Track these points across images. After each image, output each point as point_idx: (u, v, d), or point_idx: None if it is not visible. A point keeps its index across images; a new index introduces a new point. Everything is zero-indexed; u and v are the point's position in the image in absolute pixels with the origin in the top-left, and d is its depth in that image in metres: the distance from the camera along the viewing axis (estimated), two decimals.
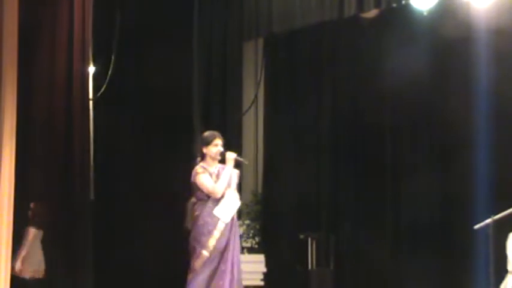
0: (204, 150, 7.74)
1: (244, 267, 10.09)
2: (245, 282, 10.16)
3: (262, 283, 10.52)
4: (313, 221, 10.97)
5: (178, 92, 9.55)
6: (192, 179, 7.68)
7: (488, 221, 7.51)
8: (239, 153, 11.01)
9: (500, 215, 7.50)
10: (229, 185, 7.70)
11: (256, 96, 11.39)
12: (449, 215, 10.03)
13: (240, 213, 10.88)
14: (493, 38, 9.50)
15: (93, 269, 8.78)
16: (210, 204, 7.62)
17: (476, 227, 7.67)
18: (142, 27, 9.60)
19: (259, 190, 11.16)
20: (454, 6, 9.35)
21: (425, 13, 8.99)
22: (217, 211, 7.59)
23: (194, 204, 7.73)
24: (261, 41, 11.33)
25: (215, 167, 7.72)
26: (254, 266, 10.48)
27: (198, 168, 7.71)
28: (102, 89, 9.47)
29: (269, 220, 10.98)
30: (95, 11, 8.94)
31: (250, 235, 10.86)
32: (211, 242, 7.53)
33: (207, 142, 7.73)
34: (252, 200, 11.10)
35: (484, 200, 9.30)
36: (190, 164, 9.47)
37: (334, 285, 10.60)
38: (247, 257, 10.59)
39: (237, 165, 7.82)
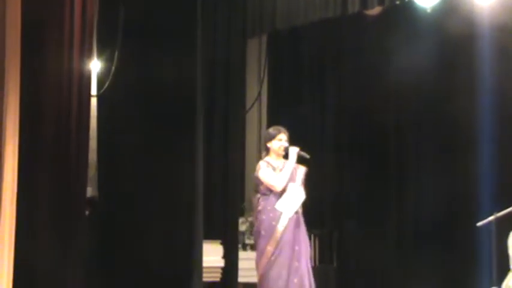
0: (268, 144, 7.84)
1: (248, 264, 10.14)
2: (249, 279, 10.21)
3: None
4: (316, 218, 10.96)
5: (181, 89, 9.54)
6: (256, 173, 7.75)
7: (490, 218, 7.52)
8: (242, 150, 11.12)
9: (503, 212, 7.51)
10: (293, 180, 7.73)
11: (259, 94, 11.39)
12: (452, 213, 10.02)
13: (243, 210, 10.91)
14: (497, 35, 9.50)
15: (93, 266, 8.78)
16: (272, 198, 7.66)
17: (479, 224, 7.68)
18: (146, 24, 9.58)
19: None
20: (458, 3, 9.34)
21: (428, 10, 8.97)
22: (280, 205, 7.61)
23: (258, 199, 7.77)
24: (264, 38, 11.32)
25: (280, 161, 7.76)
26: None
27: (262, 162, 7.80)
28: (106, 85, 9.46)
29: None
30: (99, 7, 8.93)
31: (253, 232, 10.84)
32: (276, 236, 7.53)
33: (271, 137, 7.82)
34: None
35: (487, 197, 9.30)
36: (193, 161, 9.54)
37: (337, 282, 10.60)
38: (250, 254, 10.57)
39: (302, 160, 7.84)
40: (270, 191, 7.70)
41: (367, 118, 10.79)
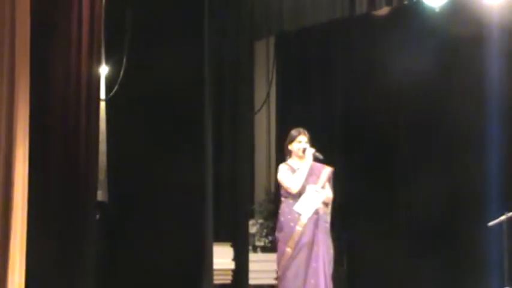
0: (290, 147, 7.95)
1: (258, 266, 10.17)
2: (258, 281, 10.23)
3: (275, 282, 10.49)
4: None
5: (189, 91, 9.56)
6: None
7: (502, 218, 7.51)
8: (252, 152, 11.12)
9: None
10: (314, 181, 7.79)
11: (268, 95, 11.38)
12: (462, 213, 10.00)
13: (253, 212, 10.91)
14: (505, 35, 9.47)
15: (103, 269, 8.78)
16: (290, 200, 7.76)
17: (490, 224, 7.67)
18: (154, 27, 9.59)
19: (272, 189, 11.15)
20: (466, 2, 9.32)
21: (436, 10, 8.97)
22: (297, 207, 7.70)
23: (281, 201, 7.91)
24: (272, 40, 11.32)
25: (302, 163, 7.82)
26: (267, 264, 10.44)
27: (282, 165, 7.91)
28: (114, 90, 9.47)
29: None
30: (106, 10, 8.94)
31: (263, 234, 10.86)
32: (294, 237, 7.61)
33: (292, 139, 7.93)
34: (265, 198, 11.10)
35: (498, 197, 9.29)
36: (202, 163, 9.55)
37: (347, 284, 10.59)
38: (260, 256, 10.61)
39: (321, 161, 7.96)
40: (288, 193, 7.75)
41: (374, 118, 10.77)
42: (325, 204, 7.85)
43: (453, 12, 9.48)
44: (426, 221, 10.30)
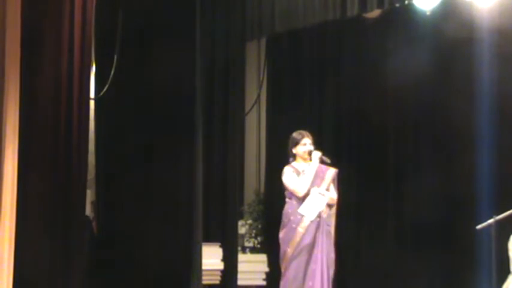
0: (294, 150, 7.95)
1: (247, 267, 10.18)
2: (247, 282, 10.24)
3: (264, 283, 10.53)
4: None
5: (180, 92, 9.55)
6: (282, 178, 7.89)
7: (490, 221, 7.52)
8: (242, 153, 11.13)
9: (503, 215, 7.51)
10: (318, 183, 7.82)
11: (258, 96, 11.38)
12: (451, 215, 10.03)
13: (242, 213, 10.91)
14: (496, 38, 9.51)
15: (92, 269, 8.77)
16: (294, 202, 7.80)
17: (479, 227, 7.68)
18: (145, 27, 9.59)
19: (262, 190, 11.16)
20: (457, 6, 9.34)
21: (428, 13, 8.98)
22: (302, 209, 7.74)
23: (286, 203, 7.91)
24: (263, 41, 11.31)
25: (306, 165, 7.87)
26: (256, 265, 10.49)
27: (287, 167, 7.89)
28: (105, 89, 9.46)
29: (271, 220, 10.96)
30: (97, 10, 8.93)
31: (253, 235, 10.86)
32: (295, 239, 7.66)
33: (296, 142, 7.92)
34: (255, 199, 11.10)
35: (487, 200, 9.30)
36: (192, 164, 9.54)
37: (336, 284, 10.57)
38: (249, 256, 10.61)
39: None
40: (293, 195, 7.79)
41: (366, 120, 10.78)
42: (329, 206, 7.88)
43: (444, 15, 9.51)
44: (416, 223, 10.31)
